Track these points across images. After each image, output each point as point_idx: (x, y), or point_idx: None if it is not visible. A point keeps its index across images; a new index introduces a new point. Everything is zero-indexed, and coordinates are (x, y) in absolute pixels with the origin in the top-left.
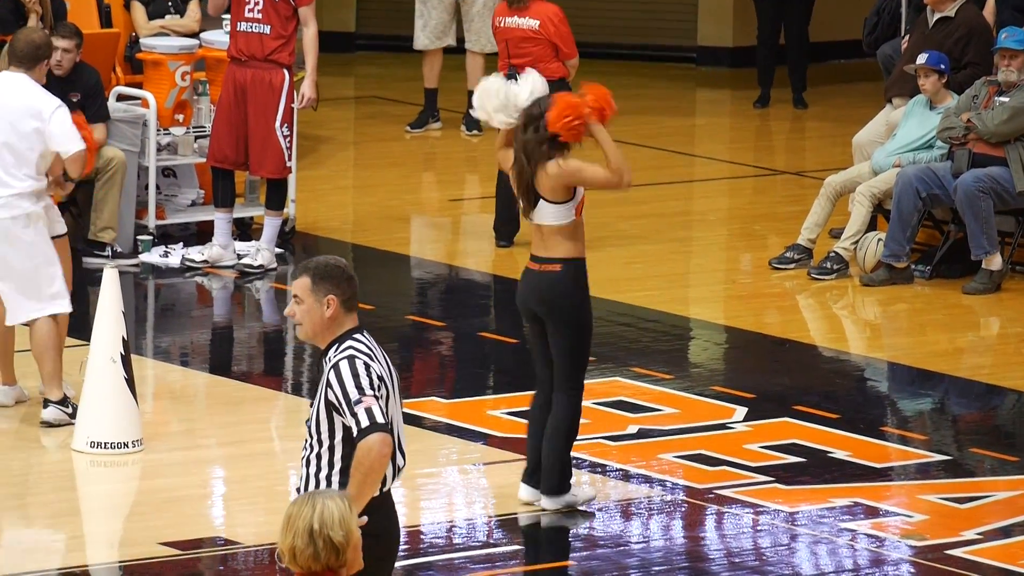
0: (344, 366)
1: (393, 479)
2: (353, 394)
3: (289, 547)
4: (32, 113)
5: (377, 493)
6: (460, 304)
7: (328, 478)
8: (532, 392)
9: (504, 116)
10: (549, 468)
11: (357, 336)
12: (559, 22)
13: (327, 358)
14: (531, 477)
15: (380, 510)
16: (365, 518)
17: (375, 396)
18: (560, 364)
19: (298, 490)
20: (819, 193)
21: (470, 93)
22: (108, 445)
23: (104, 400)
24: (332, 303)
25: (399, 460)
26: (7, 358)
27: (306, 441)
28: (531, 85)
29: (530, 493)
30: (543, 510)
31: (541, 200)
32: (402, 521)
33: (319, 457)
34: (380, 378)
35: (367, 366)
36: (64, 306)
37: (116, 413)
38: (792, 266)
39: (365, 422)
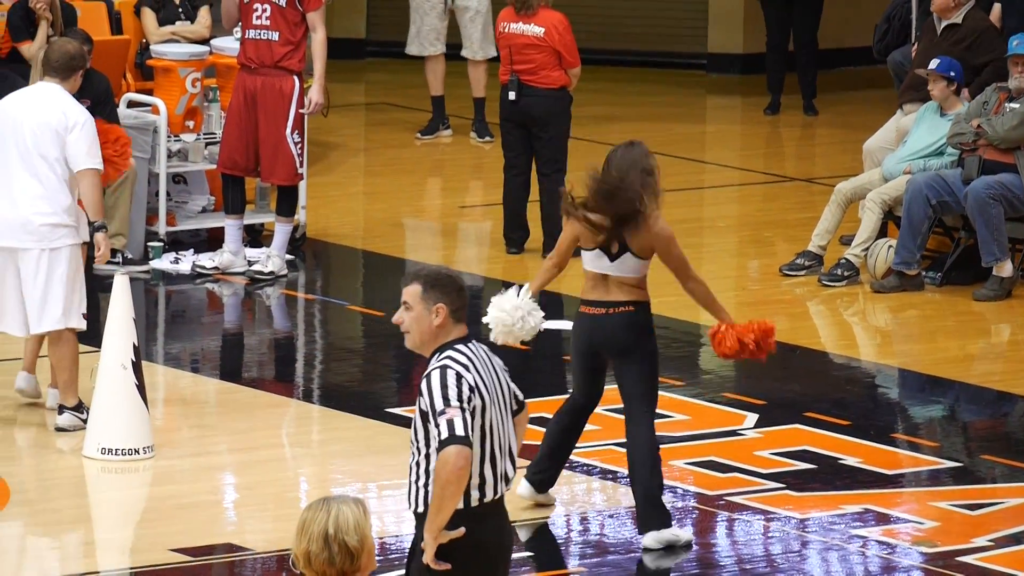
0: (435, 376)
1: (498, 489)
2: (439, 404)
3: (304, 552)
4: (63, 123)
5: (476, 504)
6: (470, 311)
7: (426, 486)
8: (543, 398)
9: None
10: (639, 505)
11: (458, 346)
12: (563, 30)
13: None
14: (533, 475)
15: (487, 520)
16: (461, 530)
17: (461, 407)
18: (637, 398)
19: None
20: (829, 200)
21: (476, 100)
22: (119, 451)
23: (115, 406)
24: (441, 312)
25: (504, 469)
26: (35, 347)
27: (411, 448)
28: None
29: (528, 491)
30: (545, 519)
31: (628, 254)
32: (412, 528)
33: (418, 465)
34: (473, 388)
35: (458, 376)
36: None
37: (127, 419)
38: (803, 273)
39: (444, 434)
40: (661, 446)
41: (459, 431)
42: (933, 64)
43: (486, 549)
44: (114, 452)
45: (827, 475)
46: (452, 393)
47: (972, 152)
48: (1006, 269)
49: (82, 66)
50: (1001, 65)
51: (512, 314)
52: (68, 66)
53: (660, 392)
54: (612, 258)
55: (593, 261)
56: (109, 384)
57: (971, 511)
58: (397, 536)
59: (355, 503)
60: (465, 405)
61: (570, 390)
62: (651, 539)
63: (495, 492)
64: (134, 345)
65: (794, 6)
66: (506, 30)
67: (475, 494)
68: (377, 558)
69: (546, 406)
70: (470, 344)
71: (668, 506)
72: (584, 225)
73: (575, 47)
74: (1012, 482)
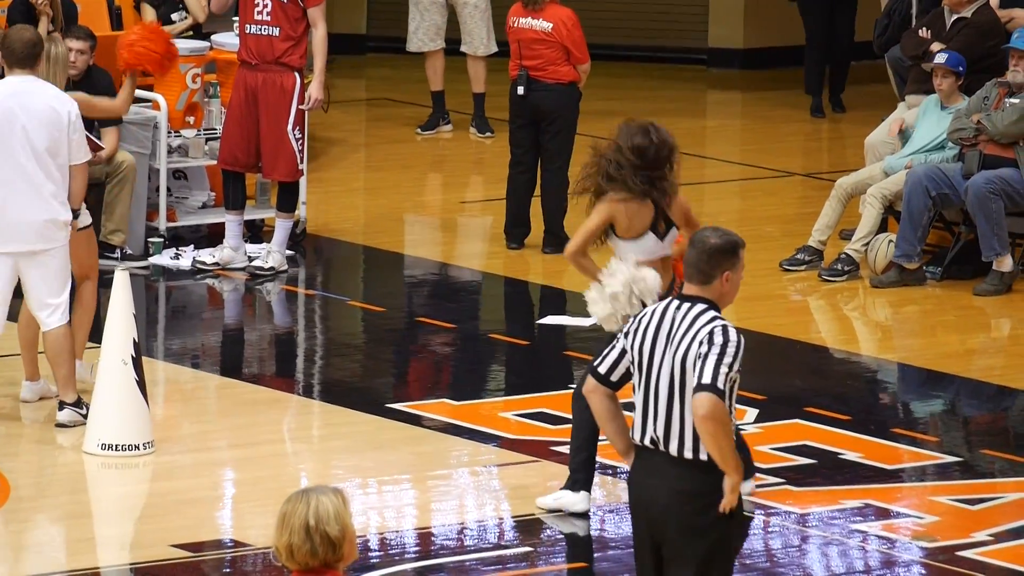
0: None
1: (640, 435)
2: None
3: (286, 545)
4: (63, 119)
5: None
6: (470, 306)
7: None
8: (550, 393)
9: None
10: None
11: (666, 300)
12: (572, 26)
13: None
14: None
15: (637, 458)
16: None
17: (614, 344)
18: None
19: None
20: (830, 195)
21: (475, 96)
22: (119, 447)
23: (115, 402)
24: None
25: (644, 423)
26: (33, 354)
27: None
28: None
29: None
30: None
31: (673, 228)
32: (412, 523)
33: None
34: (626, 333)
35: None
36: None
37: (127, 415)
38: (803, 268)
39: None
40: None
41: (595, 360)
42: (941, 59)
43: (629, 480)
44: (115, 448)
45: (827, 470)
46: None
47: (972, 147)
48: (1006, 264)
49: (43, 48)
50: (1002, 59)
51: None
52: (33, 54)
53: None
54: (662, 237)
55: (646, 248)
56: (109, 380)
57: (971, 506)
58: (397, 532)
59: (334, 493)
60: (616, 341)
61: (573, 385)
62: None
63: (637, 436)
64: (134, 340)
65: (835, 3)
66: (515, 24)
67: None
68: (377, 553)
69: (549, 402)
70: (669, 301)
71: None
72: (626, 196)
73: (584, 43)
74: (1012, 476)
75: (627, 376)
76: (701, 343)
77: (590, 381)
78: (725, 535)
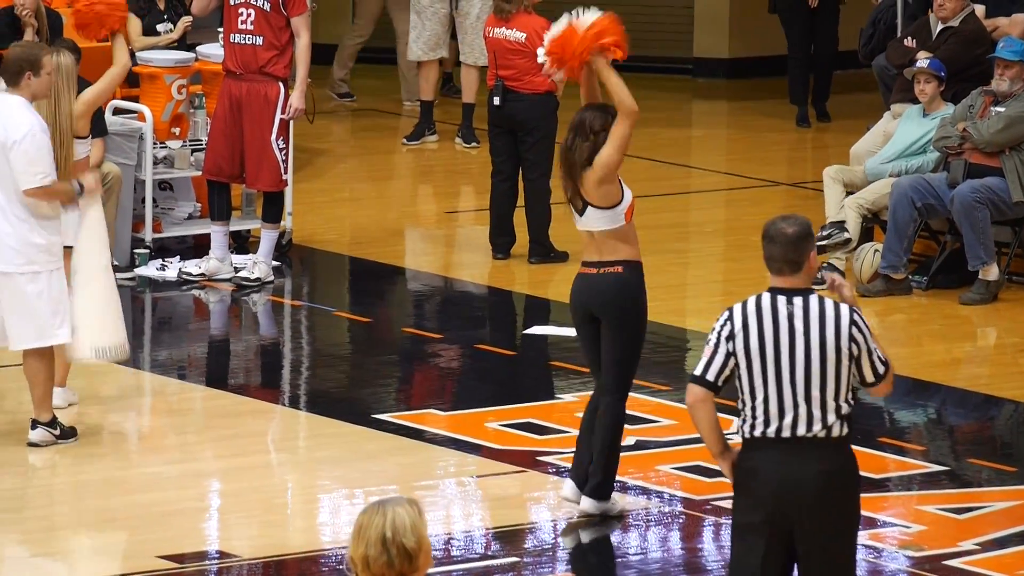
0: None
1: (775, 428)
2: None
3: (362, 556)
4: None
5: (748, 435)
6: (457, 316)
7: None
8: (536, 403)
9: None
10: (593, 471)
11: (759, 295)
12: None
13: None
14: (575, 474)
15: (760, 451)
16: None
17: (713, 348)
18: (610, 367)
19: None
20: (824, 182)
21: (464, 106)
22: (112, 351)
23: (100, 306)
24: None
25: (788, 414)
26: (60, 361)
27: None
28: None
29: (572, 490)
30: (580, 515)
31: (589, 207)
32: None
33: None
34: (731, 335)
35: (719, 322)
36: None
37: (115, 316)
38: (826, 242)
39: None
40: (648, 451)
41: (696, 370)
42: (924, 63)
43: (755, 474)
44: (108, 352)
45: None
46: (712, 335)
47: (958, 156)
48: (992, 272)
49: (29, 69)
50: (988, 68)
51: None
52: (12, 69)
53: (648, 397)
54: (580, 213)
55: (576, 220)
56: (89, 285)
57: (958, 515)
58: None
59: (409, 504)
60: (715, 347)
61: (559, 395)
62: (591, 505)
63: (772, 429)
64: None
65: (817, 13)
66: (491, 34)
67: (746, 427)
68: None
69: (534, 412)
70: (764, 296)
71: (656, 511)
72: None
73: None
74: (998, 486)
75: (730, 378)
76: (854, 341)
77: (699, 391)
78: (858, 506)
